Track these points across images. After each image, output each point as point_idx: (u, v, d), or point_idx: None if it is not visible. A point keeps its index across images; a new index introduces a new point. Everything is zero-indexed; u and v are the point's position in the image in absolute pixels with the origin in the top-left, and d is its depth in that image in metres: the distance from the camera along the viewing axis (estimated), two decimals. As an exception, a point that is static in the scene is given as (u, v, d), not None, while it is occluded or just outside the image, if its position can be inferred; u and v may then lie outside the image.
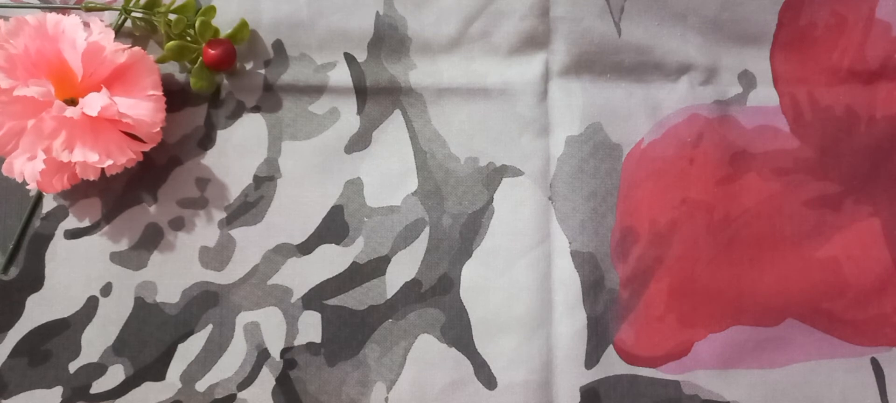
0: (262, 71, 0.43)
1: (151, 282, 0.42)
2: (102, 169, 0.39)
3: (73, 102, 0.38)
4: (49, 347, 0.42)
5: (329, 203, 0.43)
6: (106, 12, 0.42)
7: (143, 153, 0.41)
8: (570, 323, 0.42)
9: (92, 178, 0.39)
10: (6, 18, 0.38)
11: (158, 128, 0.40)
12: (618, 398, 0.42)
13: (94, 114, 0.36)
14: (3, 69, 0.36)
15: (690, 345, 0.43)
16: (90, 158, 0.37)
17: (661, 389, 0.43)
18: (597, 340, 0.43)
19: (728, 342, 0.43)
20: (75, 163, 0.37)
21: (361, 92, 0.43)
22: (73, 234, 0.42)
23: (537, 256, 0.43)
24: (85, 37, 0.37)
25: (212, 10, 0.42)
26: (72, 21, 0.38)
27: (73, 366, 0.42)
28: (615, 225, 0.43)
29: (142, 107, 0.38)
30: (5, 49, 0.36)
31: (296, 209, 0.43)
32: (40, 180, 0.37)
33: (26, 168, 0.37)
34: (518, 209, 0.43)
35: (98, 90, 0.38)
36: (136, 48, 0.39)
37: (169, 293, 0.42)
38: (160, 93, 0.39)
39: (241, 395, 0.42)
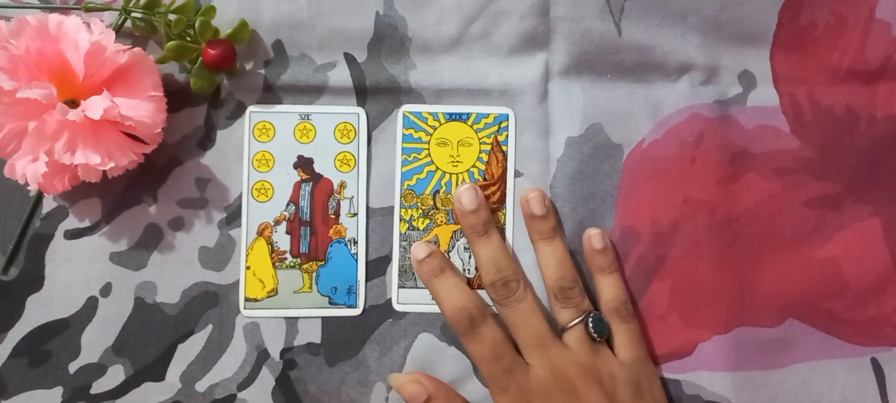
0: (262, 71, 0.43)
1: (151, 282, 0.42)
2: (104, 170, 0.39)
3: (73, 103, 0.38)
4: (49, 347, 0.42)
5: (329, 203, 0.43)
6: (106, 12, 0.42)
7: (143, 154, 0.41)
8: (571, 323, 0.42)
9: (94, 180, 0.38)
10: (7, 19, 0.38)
11: (159, 130, 0.39)
12: (618, 398, 0.42)
13: (97, 117, 0.36)
14: (5, 70, 0.36)
15: (694, 346, 0.43)
16: (92, 160, 0.37)
17: (662, 389, 0.43)
18: (597, 340, 0.43)
19: (731, 343, 0.43)
20: (77, 165, 0.37)
21: (361, 92, 0.43)
22: (73, 234, 0.42)
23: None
24: (87, 38, 0.37)
25: (212, 10, 0.42)
26: (73, 22, 0.37)
27: (73, 367, 0.42)
28: (614, 226, 0.43)
29: (143, 109, 0.38)
30: (7, 50, 0.36)
31: (296, 209, 0.43)
32: (42, 182, 0.37)
33: (28, 169, 0.37)
34: (517, 210, 0.43)
35: (99, 91, 0.38)
36: (137, 49, 0.39)
37: (169, 293, 0.42)
38: (161, 93, 0.39)
39: (240, 395, 0.42)
